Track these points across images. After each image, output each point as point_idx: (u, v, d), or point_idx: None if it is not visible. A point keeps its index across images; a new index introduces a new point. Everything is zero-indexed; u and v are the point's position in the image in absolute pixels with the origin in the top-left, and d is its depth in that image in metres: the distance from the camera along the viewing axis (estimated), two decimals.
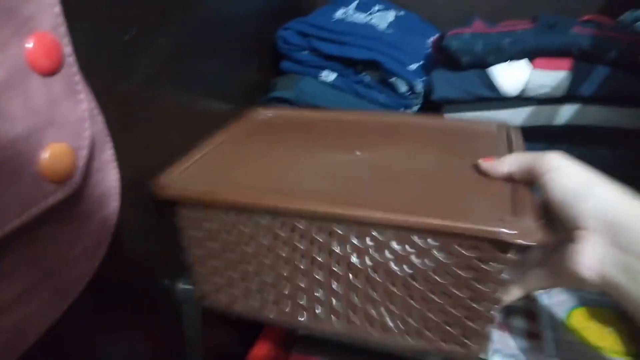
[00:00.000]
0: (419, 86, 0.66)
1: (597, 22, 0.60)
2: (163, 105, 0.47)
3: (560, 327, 0.50)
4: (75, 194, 0.29)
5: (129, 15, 0.40)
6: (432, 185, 0.42)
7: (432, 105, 0.65)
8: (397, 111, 0.68)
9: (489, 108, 0.61)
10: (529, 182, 0.40)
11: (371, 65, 0.67)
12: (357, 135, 0.54)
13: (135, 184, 0.43)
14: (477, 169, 0.43)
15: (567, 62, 0.56)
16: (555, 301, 0.54)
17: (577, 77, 0.56)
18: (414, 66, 0.67)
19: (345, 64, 0.69)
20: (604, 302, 0.54)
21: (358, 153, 0.49)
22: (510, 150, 0.48)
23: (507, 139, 0.51)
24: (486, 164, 0.43)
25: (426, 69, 0.67)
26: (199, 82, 0.53)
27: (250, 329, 0.67)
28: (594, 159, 0.60)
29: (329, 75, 0.70)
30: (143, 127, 0.44)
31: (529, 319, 0.51)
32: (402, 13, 0.78)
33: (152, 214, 0.46)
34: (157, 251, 0.49)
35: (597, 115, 0.57)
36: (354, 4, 0.76)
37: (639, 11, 0.66)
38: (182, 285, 0.52)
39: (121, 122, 0.38)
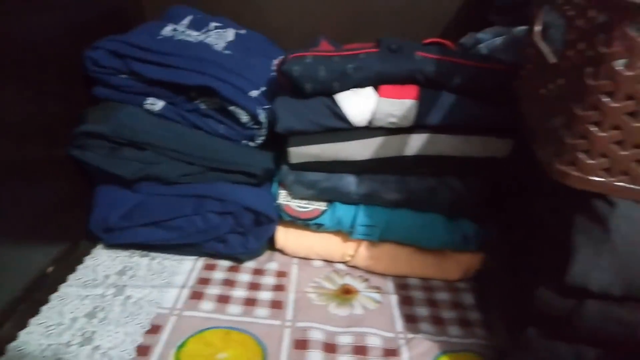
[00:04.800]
0: (262, 115, 0.58)
1: (441, 46, 0.58)
2: None
3: None
4: None
5: None
6: None
7: (277, 137, 0.57)
8: (239, 143, 0.59)
9: (337, 139, 0.54)
10: None
11: (206, 91, 0.57)
12: None
13: None
14: None
15: (412, 90, 0.52)
16: (416, 353, 0.49)
17: (423, 106, 0.52)
18: (255, 93, 0.59)
19: (175, 91, 0.58)
20: (464, 347, 0.51)
21: None
22: None
23: None
24: None
25: (271, 95, 0.60)
26: None
27: None
28: (445, 189, 0.58)
29: (155, 103, 0.58)
30: None
31: None
32: (243, 32, 0.69)
33: None
34: None
35: (446, 144, 0.54)
36: (186, 20, 0.66)
37: (480, 34, 0.65)
38: None
39: None
